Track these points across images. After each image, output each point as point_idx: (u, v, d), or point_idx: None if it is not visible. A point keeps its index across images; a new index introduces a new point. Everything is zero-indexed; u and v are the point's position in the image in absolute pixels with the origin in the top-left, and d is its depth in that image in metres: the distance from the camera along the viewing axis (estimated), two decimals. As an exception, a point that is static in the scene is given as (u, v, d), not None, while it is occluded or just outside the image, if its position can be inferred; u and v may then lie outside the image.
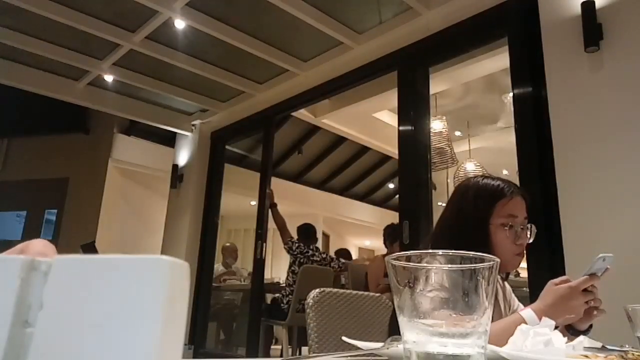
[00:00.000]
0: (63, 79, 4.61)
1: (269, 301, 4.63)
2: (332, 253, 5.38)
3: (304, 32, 3.72)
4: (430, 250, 0.46)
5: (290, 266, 4.40)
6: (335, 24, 3.57)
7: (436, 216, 2.69)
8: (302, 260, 4.31)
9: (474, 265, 0.43)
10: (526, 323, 0.93)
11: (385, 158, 7.77)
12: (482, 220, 1.23)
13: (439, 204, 3.61)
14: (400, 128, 3.38)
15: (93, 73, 4.42)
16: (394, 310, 0.61)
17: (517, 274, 3.67)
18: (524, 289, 2.72)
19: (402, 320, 0.45)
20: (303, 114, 5.26)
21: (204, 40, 3.81)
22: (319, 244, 4.82)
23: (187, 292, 0.25)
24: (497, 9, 2.93)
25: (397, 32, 3.52)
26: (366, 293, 1.64)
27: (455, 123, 5.35)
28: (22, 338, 0.24)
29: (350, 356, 0.74)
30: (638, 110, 2.20)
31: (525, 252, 1.26)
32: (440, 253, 0.45)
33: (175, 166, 5.42)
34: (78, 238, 5.99)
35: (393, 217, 4.29)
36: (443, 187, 5.18)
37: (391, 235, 4.18)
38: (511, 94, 2.96)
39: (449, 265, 0.44)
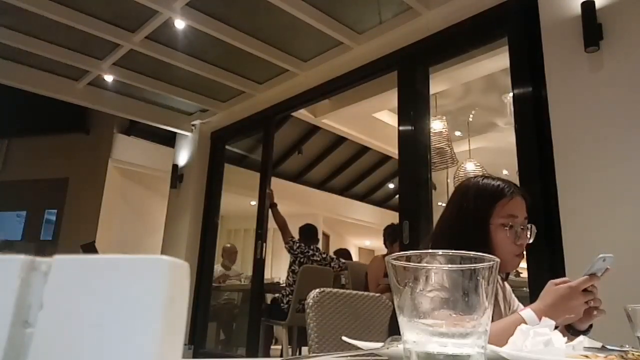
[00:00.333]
0: (63, 79, 4.61)
1: (269, 301, 4.63)
2: (331, 253, 5.37)
3: (304, 32, 3.72)
4: (430, 250, 0.46)
5: (290, 266, 4.40)
6: (335, 24, 3.57)
7: (436, 216, 2.69)
8: (302, 260, 4.31)
9: (474, 265, 0.43)
10: (526, 323, 0.93)
11: (385, 158, 7.77)
12: (482, 220, 1.23)
13: (439, 204, 3.61)
14: (400, 128, 3.38)
15: (93, 73, 4.42)
16: (394, 310, 0.61)
17: (517, 274, 3.67)
18: (524, 289, 2.72)
19: (402, 320, 0.45)
20: (303, 114, 5.26)
21: (204, 40, 3.81)
22: (319, 244, 4.82)
23: (187, 292, 0.25)
24: (497, 9, 2.93)
25: (397, 32, 3.52)
26: (366, 293, 1.64)
27: (455, 123, 5.36)
28: (22, 338, 0.24)
29: (350, 356, 0.74)
30: (638, 110, 2.20)
31: (525, 252, 1.26)
32: (440, 253, 0.45)
33: (175, 166, 5.42)
34: (78, 238, 5.99)
35: (393, 217, 4.29)
36: (443, 187, 5.18)
37: (391, 235, 4.18)
38: (511, 94, 2.96)
39: (449, 265, 0.44)
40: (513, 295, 1.38)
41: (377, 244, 9.76)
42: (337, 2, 3.42)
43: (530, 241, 1.25)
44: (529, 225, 1.25)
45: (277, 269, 7.96)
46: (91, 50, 4.11)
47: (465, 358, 0.42)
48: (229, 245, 6.05)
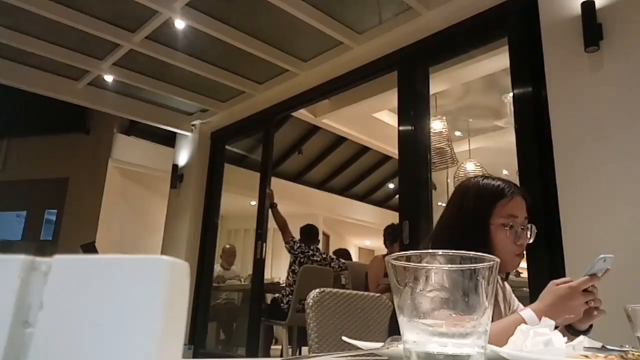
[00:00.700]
0: (63, 79, 4.61)
1: (269, 301, 4.63)
2: (331, 253, 5.37)
3: (304, 32, 3.72)
4: (430, 250, 0.46)
5: (290, 266, 4.40)
6: (335, 24, 3.57)
7: (436, 216, 2.69)
8: (302, 260, 4.31)
9: (474, 265, 0.43)
10: (526, 323, 0.93)
11: (385, 158, 7.77)
12: (482, 221, 1.23)
13: (439, 204, 3.61)
14: (400, 128, 3.38)
15: (93, 73, 4.42)
16: (394, 310, 0.61)
17: (518, 274, 3.67)
18: (524, 289, 2.72)
19: (402, 320, 0.45)
20: (303, 114, 5.26)
21: (204, 40, 3.81)
22: (319, 244, 4.82)
23: (187, 292, 0.25)
24: (497, 9, 2.93)
25: (397, 32, 3.52)
26: (366, 293, 1.64)
27: (455, 123, 5.36)
28: (22, 338, 0.24)
29: (350, 356, 0.74)
30: (638, 110, 2.20)
31: (525, 252, 1.26)
32: (440, 253, 0.45)
33: (175, 166, 5.42)
34: (78, 238, 5.99)
35: (393, 217, 4.29)
36: (443, 187, 5.18)
37: (391, 235, 4.18)
38: (511, 94, 2.96)
39: (449, 265, 0.44)
40: (513, 295, 1.38)
41: (377, 244, 9.77)
42: (337, 2, 3.42)
43: (531, 241, 1.25)
44: (529, 225, 1.25)
45: (277, 269, 7.96)
46: (91, 50, 4.11)
47: (465, 358, 0.42)
48: (228, 246, 6.05)
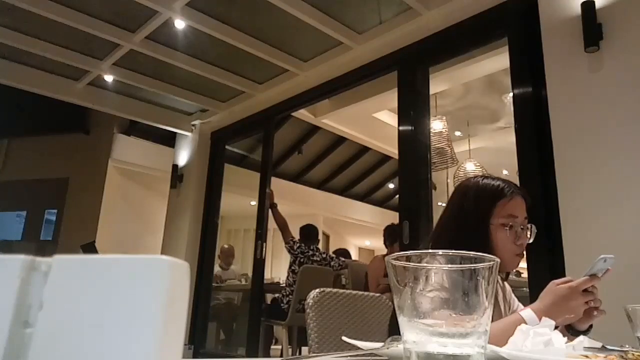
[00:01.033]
0: (63, 79, 4.61)
1: (269, 301, 4.63)
2: (331, 253, 5.37)
3: (304, 32, 3.72)
4: (430, 250, 0.46)
5: (290, 265, 4.40)
6: (335, 24, 3.57)
7: (436, 216, 2.69)
8: (302, 260, 4.31)
9: (474, 265, 0.43)
10: (526, 323, 0.93)
11: (385, 158, 7.77)
12: (482, 220, 1.23)
13: (439, 204, 3.61)
14: (400, 128, 3.38)
15: (93, 73, 4.42)
16: (394, 310, 0.61)
17: (518, 274, 3.67)
18: (524, 289, 2.72)
19: (402, 320, 0.45)
20: (303, 114, 5.26)
21: (204, 40, 3.80)
22: (319, 244, 4.82)
23: (187, 292, 0.25)
24: (497, 9, 2.93)
25: (397, 32, 3.52)
26: (366, 293, 1.64)
27: (455, 123, 5.36)
28: (22, 338, 0.24)
29: (350, 356, 0.74)
30: (638, 110, 2.20)
31: (525, 252, 1.26)
32: (440, 253, 0.45)
33: (175, 166, 5.42)
34: (78, 238, 5.99)
35: (393, 217, 4.29)
36: (443, 187, 5.18)
37: (391, 235, 4.17)
38: (511, 94, 2.96)
39: (449, 265, 0.44)
40: (513, 295, 1.38)
41: (377, 244, 9.77)
42: (337, 2, 3.42)
43: (530, 241, 1.25)
44: (529, 225, 1.25)
45: (277, 269, 7.96)
46: (91, 50, 4.11)
47: (465, 358, 0.42)
48: (226, 246, 6.04)
